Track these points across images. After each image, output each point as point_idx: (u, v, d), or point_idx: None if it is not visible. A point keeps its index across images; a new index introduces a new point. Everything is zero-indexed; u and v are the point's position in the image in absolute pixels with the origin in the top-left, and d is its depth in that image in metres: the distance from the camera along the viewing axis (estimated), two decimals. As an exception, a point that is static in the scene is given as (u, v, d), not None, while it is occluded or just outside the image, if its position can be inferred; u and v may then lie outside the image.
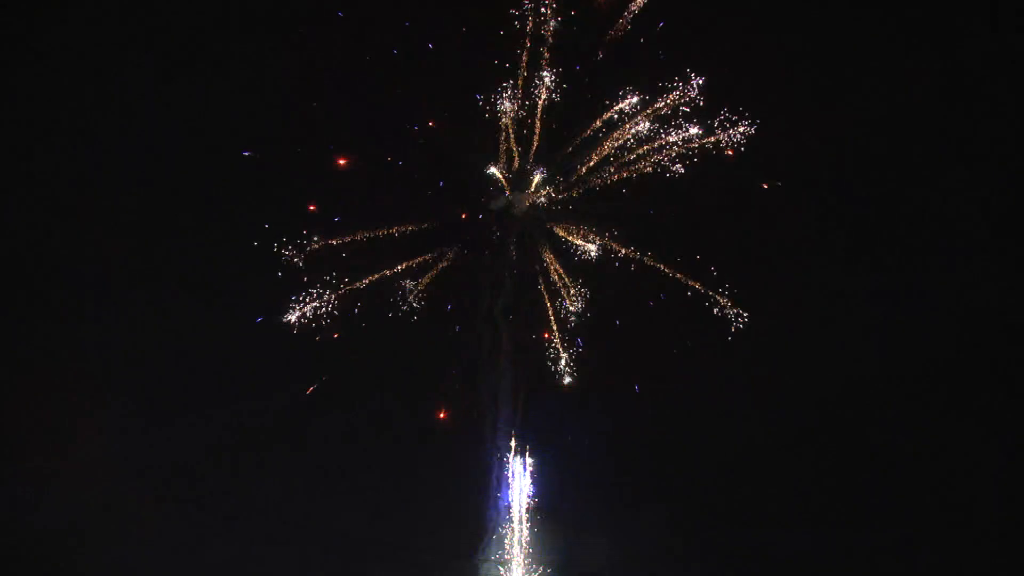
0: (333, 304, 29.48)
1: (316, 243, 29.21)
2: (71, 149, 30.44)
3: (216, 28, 30.19)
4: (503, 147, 30.36)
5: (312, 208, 29.55)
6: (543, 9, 28.84)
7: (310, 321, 29.35)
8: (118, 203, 30.52)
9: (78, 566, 28.32)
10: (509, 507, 30.63)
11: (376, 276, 29.87)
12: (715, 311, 29.87)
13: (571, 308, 30.23)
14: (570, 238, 30.64)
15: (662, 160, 29.63)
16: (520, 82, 29.73)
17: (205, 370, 31.02)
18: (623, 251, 30.14)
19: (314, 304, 29.35)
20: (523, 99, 29.72)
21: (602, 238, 30.18)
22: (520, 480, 30.88)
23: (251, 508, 30.60)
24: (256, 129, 29.85)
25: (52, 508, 28.24)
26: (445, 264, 30.38)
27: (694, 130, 29.21)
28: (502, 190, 30.91)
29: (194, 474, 30.60)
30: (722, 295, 29.68)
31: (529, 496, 30.80)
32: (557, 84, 29.64)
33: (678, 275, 29.84)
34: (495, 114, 29.62)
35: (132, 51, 30.30)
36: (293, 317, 29.16)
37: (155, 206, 30.74)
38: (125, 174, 30.75)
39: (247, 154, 29.39)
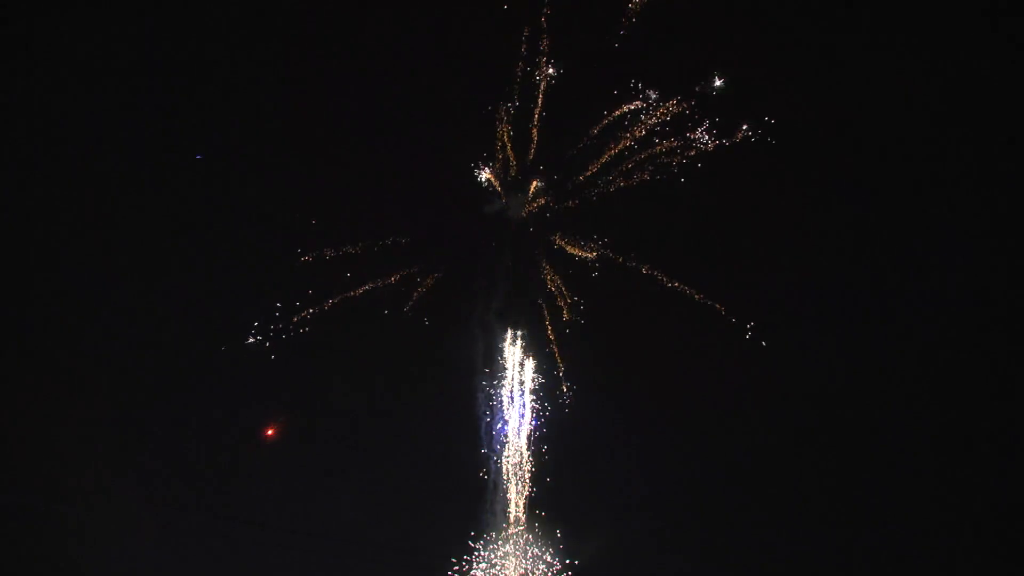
0: (327, 311, 29.81)
1: (309, 255, 29.55)
2: (70, 152, 30.66)
3: (209, 30, 30.30)
4: (500, 155, 30.38)
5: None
6: (542, 15, 28.84)
7: (305, 327, 29.72)
8: (122, 206, 30.80)
9: (78, 566, 28.73)
10: (506, 511, 30.87)
11: (370, 285, 30.11)
12: (715, 317, 29.89)
13: (566, 318, 30.36)
14: (569, 249, 30.64)
15: (659, 167, 29.56)
16: (516, 79, 29.72)
17: (204, 372, 31.34)
18: (621, 259, 30.15)
19: (308, 312, 29.73)
20: (520, 101, 29.78)
21: (601, 246, 30.19)
22: (518, 481, 31.10)
23: (250, 509, 30.89)
24: (248, 133, 30.16)
25: (52, 508, 28.58)
26: (436, 277, 30.44)
27: (694, 136, 29.14)
28: (497, 194, 30.90)
29: (193, 475, 30.94)
30: (722, 304, 29.68)
31: (527, 498, 31.04)
32: (554, 86, 29.67)
33: (676, 283, 29.78)
34: (492, 117, 29.74)
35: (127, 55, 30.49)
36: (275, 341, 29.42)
37: (156, 209, 31.02)
38: (127, 179, 30.99)
39: (199, 157, 29.58)
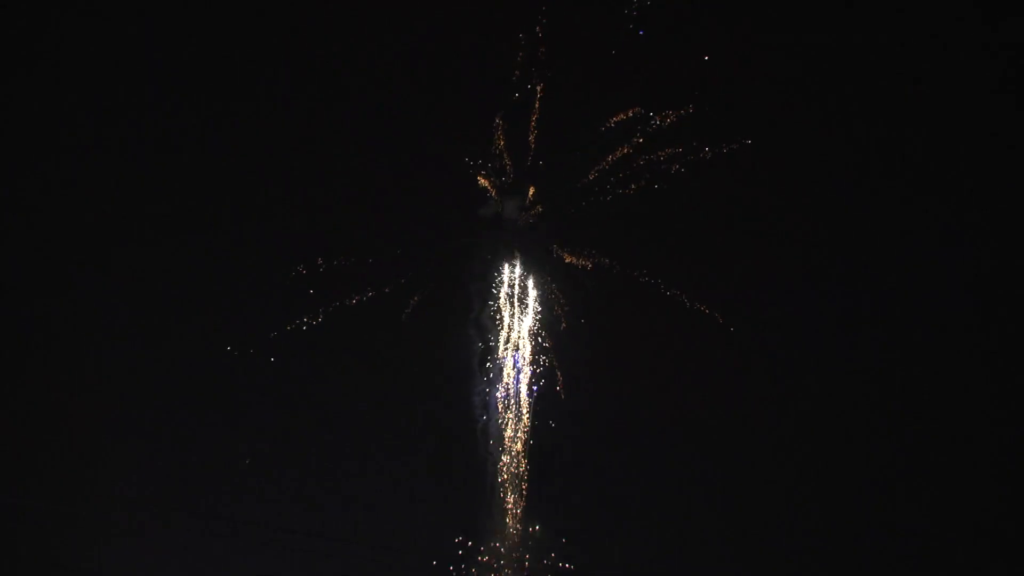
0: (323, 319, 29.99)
1: (302, 266, 29.81)
2: (71, 155, 30.86)
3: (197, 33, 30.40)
4: (496, 161, 30.27)
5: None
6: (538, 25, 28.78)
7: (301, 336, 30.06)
8: (132, 209, 31.13)
9: (78, 568, 28.95)
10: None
11: (361, 298, 30.24)
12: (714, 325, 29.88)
13: (564, 326, 30.36)
14: (567, 258, 30.54)
15: (656, 175, 29.45)
16: (514, 79, 29.62)
17: (203, 374, 31.55)
18: (617, 268, 30.05)
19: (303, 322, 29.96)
20: (517, 106, 29.65)
21: (598, 253, 30.08)
22: (515, 485, 31.16)
23: (248, 509, 31.09)
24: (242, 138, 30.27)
25: (50, 510, 28.83)
26: (432, 283, 30.48)
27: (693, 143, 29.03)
28: (492, 200, 30.77)
29: (190, 477, 31.17)
30: (721, 313, 29.66)
31: (524, 502, 31.10)
32: (552, 92, 29.50)
33: (674, 290, 29.72)
34: (488, 122, 29.63)
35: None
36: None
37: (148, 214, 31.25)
38: (136, 187, 31.25)
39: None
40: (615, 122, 29.36)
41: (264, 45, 30.52)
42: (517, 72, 29.07)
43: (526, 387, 30.96)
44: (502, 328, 30.79)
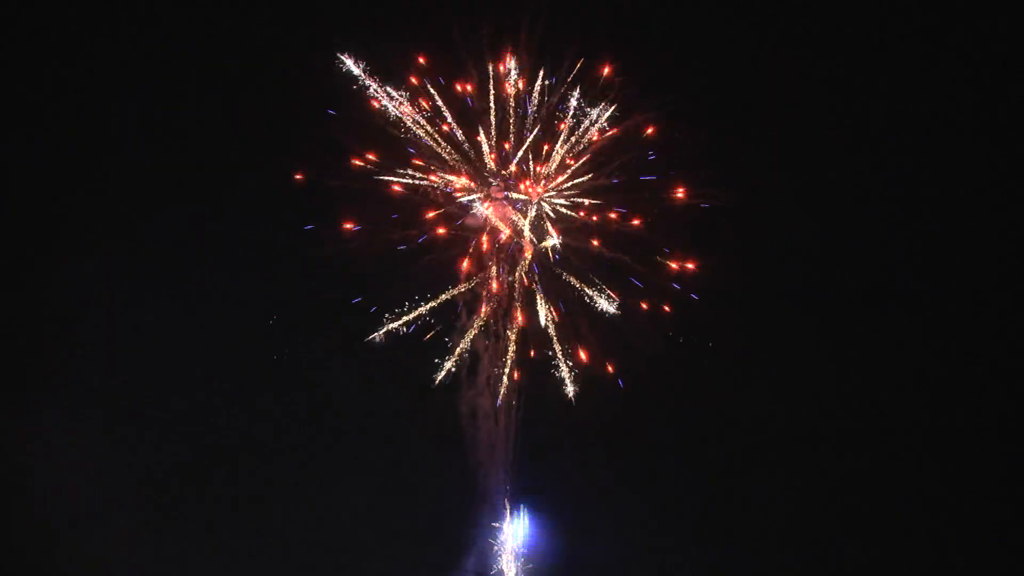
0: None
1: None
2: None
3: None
4: (483, 169, 30.14)
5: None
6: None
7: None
8: (119, 212, 31.39)
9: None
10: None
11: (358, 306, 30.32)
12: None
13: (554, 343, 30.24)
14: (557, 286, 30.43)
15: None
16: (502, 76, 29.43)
17: (203, 374, 31.80)
18: (606, 288, 29.90)
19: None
20: (503, 114, 29.50)
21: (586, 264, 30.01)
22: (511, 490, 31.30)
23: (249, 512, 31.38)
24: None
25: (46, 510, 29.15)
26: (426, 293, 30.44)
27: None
28: (478, 210, 30.49)
29: (188, 480, 31.59)
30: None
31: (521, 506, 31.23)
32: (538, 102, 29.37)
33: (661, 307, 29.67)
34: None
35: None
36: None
37: (146, 211, 31.39)
38: (134, 184, 31.47)
39: None
40: (612, 136, 29.34)
41: (262, 47, 30.69)
42: (503, 79, 29.03)
43: (514, 396, 31.02)
44: (490, 338, 30.81)
